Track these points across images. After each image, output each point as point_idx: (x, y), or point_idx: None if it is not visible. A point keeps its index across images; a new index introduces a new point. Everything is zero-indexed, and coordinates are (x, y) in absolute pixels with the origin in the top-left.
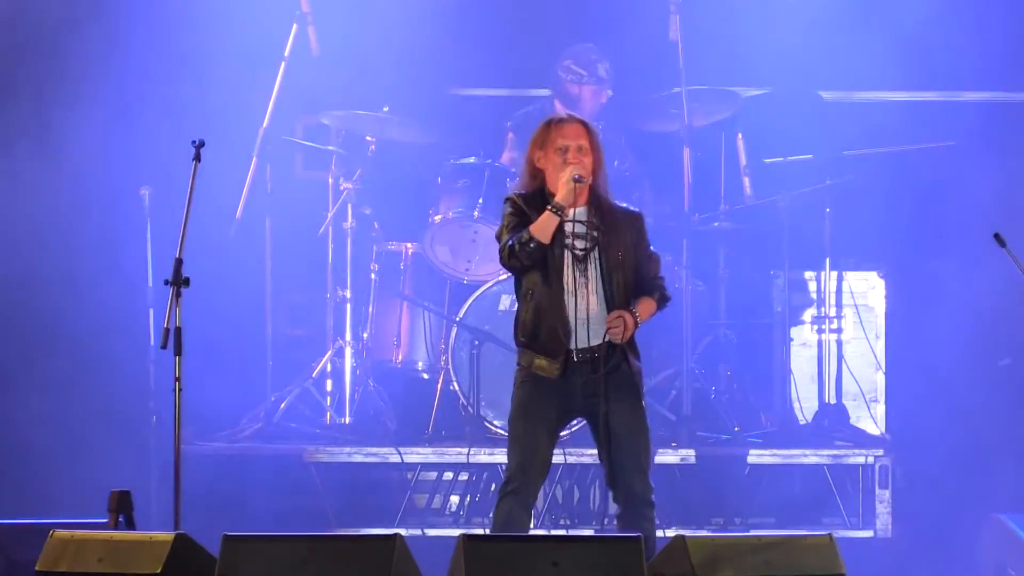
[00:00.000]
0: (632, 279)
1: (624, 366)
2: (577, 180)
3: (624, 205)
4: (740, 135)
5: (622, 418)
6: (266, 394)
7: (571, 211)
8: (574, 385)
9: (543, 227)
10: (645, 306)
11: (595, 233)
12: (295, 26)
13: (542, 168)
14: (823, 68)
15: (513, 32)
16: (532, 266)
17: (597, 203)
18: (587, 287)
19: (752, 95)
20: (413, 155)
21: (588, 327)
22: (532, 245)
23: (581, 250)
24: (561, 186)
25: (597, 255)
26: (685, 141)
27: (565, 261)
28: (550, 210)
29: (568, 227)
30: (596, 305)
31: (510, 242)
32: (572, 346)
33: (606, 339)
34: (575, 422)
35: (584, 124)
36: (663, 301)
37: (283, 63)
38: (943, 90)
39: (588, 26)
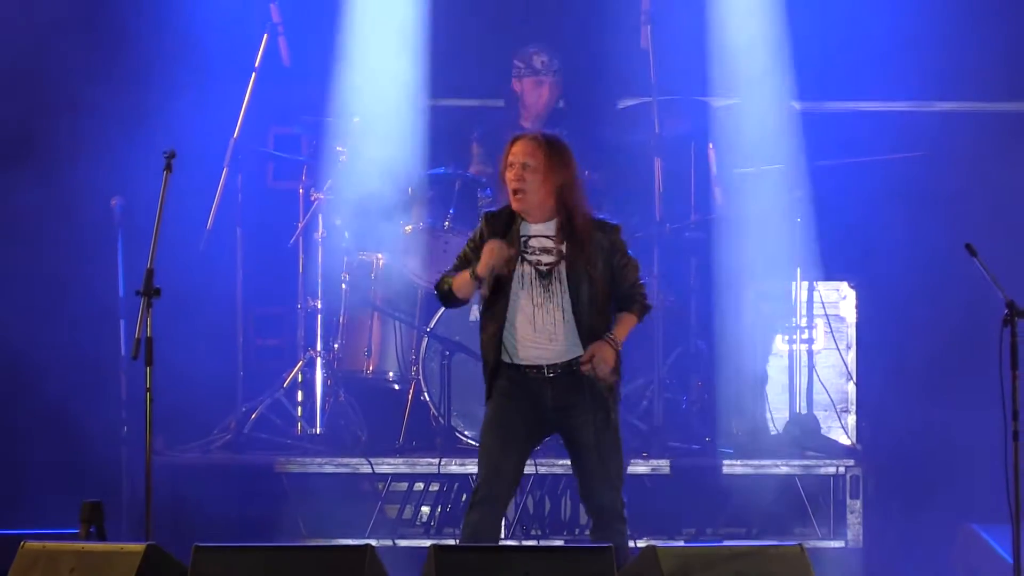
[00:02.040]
0: (603, 292)
1: (596, 380)
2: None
3: (601, 217)
4: (711, 145)
5: (594, 433)
6: (237, 405)
7: (523, 225)
8: (545, 399)
9: (461, 286)
10: (623, 325)
11: (561, 248)
12: (266, 36)
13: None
14: (794, 78)
15: (483, 43)
16: (453, 306)
17: (567, 216)
18: (551, 302)
19: (723, 105)
20: (384, 165)
21: (559, 342)
22: (447, 296)
23: (546, 265)
24: (484, 256)
25: (563, 269)
26: (656, 151)
27: (528, 277)
28: (470, 275)
29: (534, 243)
30: (562, 320)
31: (438, 278)
32: (525, 361)
33: (581, 353)
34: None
35: (537, 140)
36: (643, 312)
37: (254, 73)
38: (913, 100)
39: (558, 35)
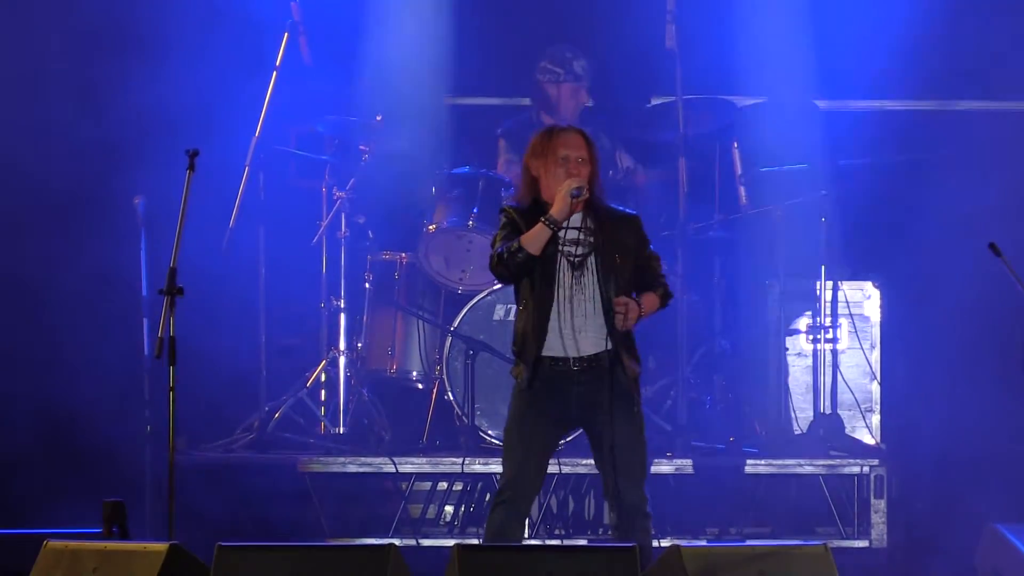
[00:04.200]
0: (631, 283)
1: (621, 375)
2: (575, 195)
3: (620, 208)
4: (736, 144)
5: (619, 429)
6: (260, 404)
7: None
8: (570, 395)
9: (534, 239)
10: (648, 299)
11: (591, 239)
12: (286, 35)
13: (539, 177)
14: (819, 77)
15: (507, 41)
16: (519, 275)
17: (593, 208)
18: (583, 294)
19: (748, 104)
20: (407, 164)
21: (586, 335)
22: (520, 255)
23: (578, 256)
24: (558, 200)
25: (594, 260)
26: (680, 150)
27: (560, 268)
28: (543, 222)
29: (563, 234)
30: (593, 312)
31: (499, 249)
32: (551, 353)
33: (607, 347)
34: (573, 432)
35: (584, 134)
36: (666, 298)
37: (275, 72)
38: (940, 99)
39: (582, 34)
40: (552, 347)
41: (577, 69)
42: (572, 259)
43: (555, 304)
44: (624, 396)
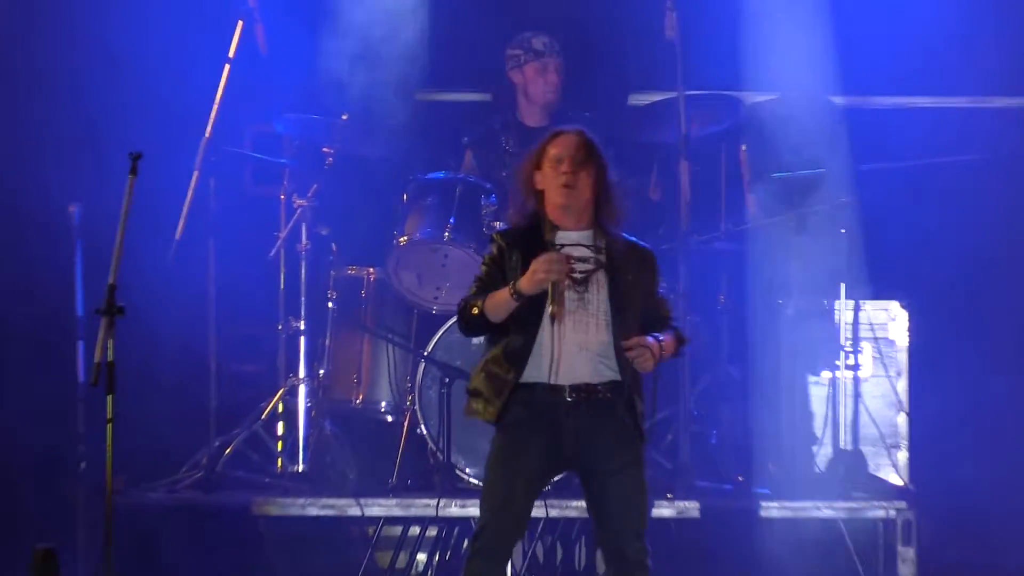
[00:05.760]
0: (639, 314)
1: (625, 411)
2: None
3: (634, 239)
4: (744, 147)
5: (617, 472)
6: (209, 438)
7: (557, 232)
8: (563, 427)
9: (498, 307)
10: (670, 341)
11: (600, 257)
12: (240, 23)
13: (542, 188)
14: (838, 71)
15: (487, 29)
16: (480, 334)
17: (603, 226)
18: (586, 310)
19: (758, 101)
20: (376, 168)
21: (586, 360)
22: (479, 318)
23: (582, 272)
24: (531, 271)
25: (602, 277)
26: (682, 153)
27: (561, 285)
28: (510, 293)
29: (569, 251)
30: (599, 334)
31: (461, 303)
32: (538, 379)
33: (612, 376)
34: (563, 472)
35: (583, 135)
36: (681, 341)
37: (228, 65)
38: (973, 95)
39: (572, 22)
40: (539, 372)
41: (537, 46)
42: (574, 275)
43: (547, 323)
44: (624, 431)
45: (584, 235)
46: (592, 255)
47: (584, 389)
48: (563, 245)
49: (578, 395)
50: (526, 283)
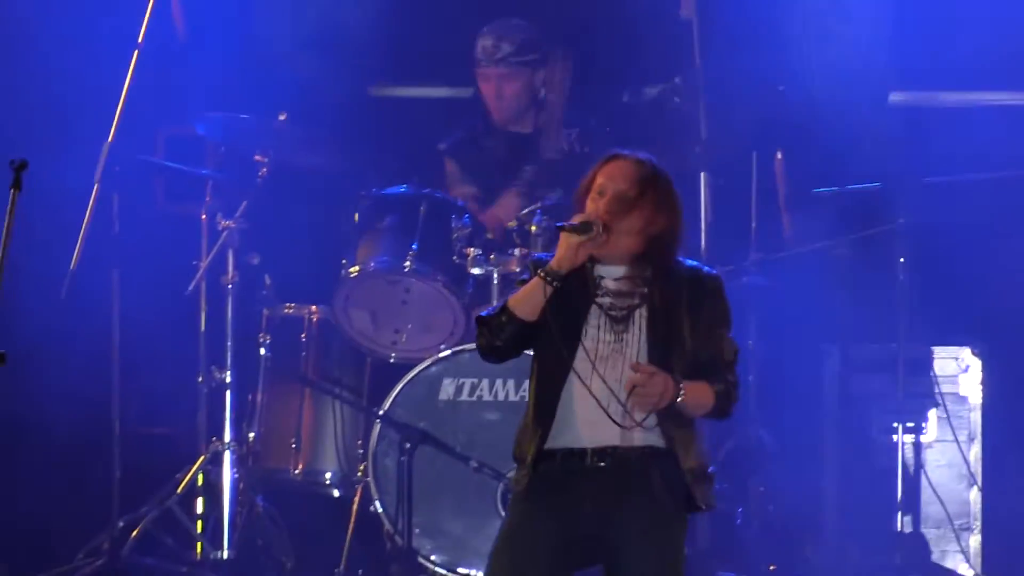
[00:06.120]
0: (691, 356)
1: (659, 479)
2: (579, 231)
3: (693, 264)
4: (779, 154)
5: (650, 561)
6: (112, 517)
7: (596, 265)
8: (583, 504)
9: (526, 298)
10: (697, 387)
11: (643, 289)
12: (152, 1)
13: None
14: (897, 61)
15: (463, 8)
16: (508, 351)
17: (654, 259)
18: (623, 353)
19: (796, 97)
20: (320, 182)
21: (618, 413)
22: (504, 319)
23: (621, 309)
24: (561, 242)
25: (646, 315)
26: (701, 162)
27: (591, 322)
28: (540, 276)
29: (608, 283)
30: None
31: (484, 313)
32: (562, 444)
33: (649, 440)
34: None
35: (645, 165)
36: (724, 401)
37: (136, 52)
38: None
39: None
40: (563, 435)
41: (502, 53)
42: (613, 312)
43: (574, 374)
44: (663, 511)
45: (625, 269)
46: (634, 288)
47: (609, 454)
48: (602, 278)
49: (603, 460)
50: (557, 253)
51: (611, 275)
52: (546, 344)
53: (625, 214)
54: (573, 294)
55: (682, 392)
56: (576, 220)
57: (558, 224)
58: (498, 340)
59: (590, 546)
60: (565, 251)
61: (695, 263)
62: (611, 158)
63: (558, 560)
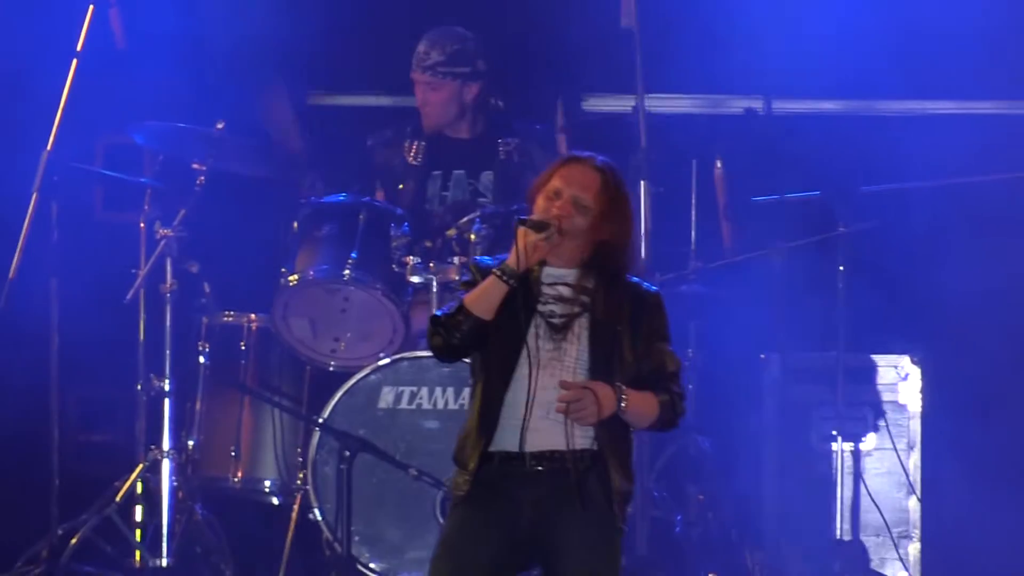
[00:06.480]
0: (631, 368)
1: (597, 487)
2: (525, 220)
3: (634, 280)
4: (719, 163)
5: (583, 563)
6: (50, 525)
7: (543, 269)
8: (521, 508)
9: (483, 296)
10: (641, 396)
11: (584, 298)
12: (91, 8)
13: None
14: (834, 71)
15: (405, 17)
16: (463, 349)
17: (599, 268)
18: (562, 361)
19: (736, 108)
20: (258, 190)
21: (556, 419)
22: (461, 318)
23: (561, 316)
24: (518, 238)
25: (586, 324)
26: (642, 171)
27: (533, 331)
28: (496, 275)
29: (548, 290)
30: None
31: (438, 313)
32: (502, 447)
33: (586, 445)
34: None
35: (601, 171)
36: (670, 412)
37: (75, 60)
38: (1003, 99)
39: (505, 13)
40: (503, 439)
41: (431, 60)
42: (553, 319)
43: (514, 380)
44: (601, 518)
45: (569, 273)
46: (575, 296)
47: (547, 458)
48: (544, 284)
49: (541, 464)
50: (512, 253)
51: (555, 280)
52: (491, 347)
53: (578, 218)
54: (516, 298)
55: (624, 399)
56: (534, 218)
57: (519, 217)
58: (455, 339)
59: (529, 549)
60: (523, 248)
61: (636, 279)
62: (569, 160)
63: (498, 564)
